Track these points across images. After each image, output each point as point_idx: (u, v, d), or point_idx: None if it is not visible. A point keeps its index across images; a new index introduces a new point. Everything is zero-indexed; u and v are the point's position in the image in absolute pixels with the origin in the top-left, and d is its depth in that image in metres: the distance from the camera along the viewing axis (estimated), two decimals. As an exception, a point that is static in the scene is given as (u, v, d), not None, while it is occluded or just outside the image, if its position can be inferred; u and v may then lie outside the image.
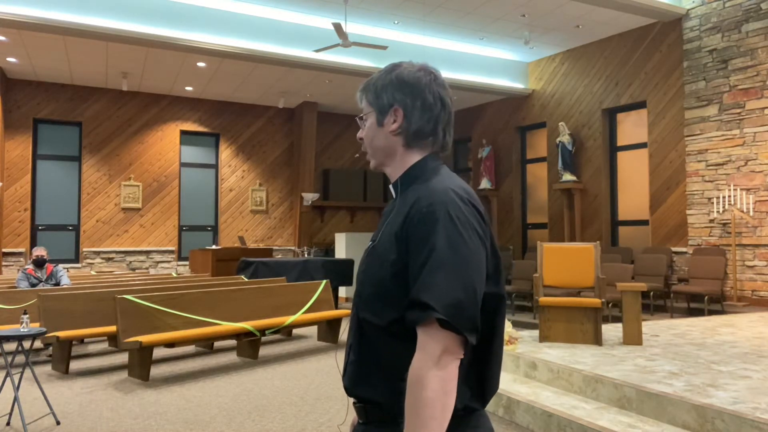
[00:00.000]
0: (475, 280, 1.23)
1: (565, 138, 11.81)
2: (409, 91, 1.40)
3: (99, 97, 13.14)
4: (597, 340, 5.60)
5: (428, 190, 1.31)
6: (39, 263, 7.94)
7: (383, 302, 1.29)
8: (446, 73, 11.54)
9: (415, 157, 1.41)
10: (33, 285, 7.74)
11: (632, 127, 11.32)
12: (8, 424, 4.37)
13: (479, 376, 1.33)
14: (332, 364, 6.44)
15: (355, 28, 10.16)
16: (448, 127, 1.44)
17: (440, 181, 1.34)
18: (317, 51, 9.87)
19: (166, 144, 13.84)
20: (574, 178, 11.75)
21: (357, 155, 15.70)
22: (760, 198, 8.95)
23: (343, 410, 4.78)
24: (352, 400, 1.40)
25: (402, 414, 1.25)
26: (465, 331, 1.19)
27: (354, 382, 1.36)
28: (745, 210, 9.05)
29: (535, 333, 5.99)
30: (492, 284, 1.31)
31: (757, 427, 3.31)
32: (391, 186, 1.46)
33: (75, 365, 6.37)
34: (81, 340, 7.37)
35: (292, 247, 14.89)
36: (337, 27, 8.72)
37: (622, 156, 11.53)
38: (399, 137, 1.41)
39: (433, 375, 1.17)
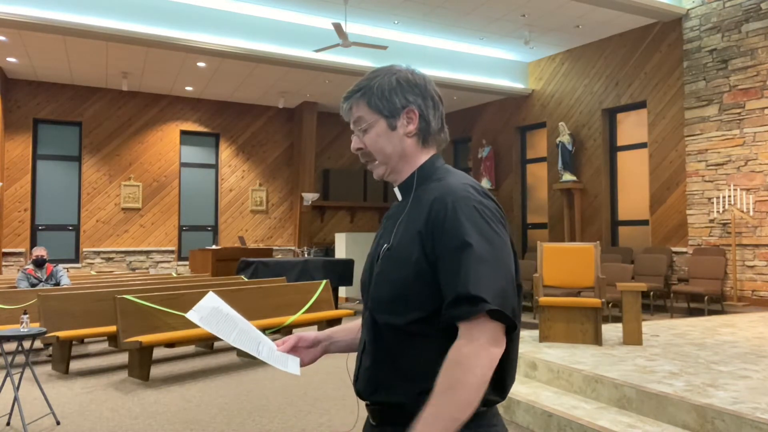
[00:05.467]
0: (511, 269, 1.27)
1: (565, 138, 11.81)
2: (419, 91, 1.41)
3: (99, 97, 13.14)
4: (597, 340, 5.59)
5: (446, 188, 1.31)
6: (39, 263, 7.94)
7: (405, 303, 1.28)
8: (446, 73, 11.70)
9: (423, 157, 1.42)
10: (33, 285, 7.74)
11: (632, 127, 11.32)
12: (8, 424, 4.37)
13: (500, 368, 1.30)
14: (333, 364, 6.42)
15: (355, 28, 10.16)
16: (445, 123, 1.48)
17: (455, 179, 1.35)
18: (317, 51, 9.87)
19: (166, 144, 13.85)
20: (574, 178, 11.75)
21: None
22: (760, 198, 8.95)
23: (343, 410, 4.78)
24: (363, 403, 1.39)
25: None
26: (513, 318, 1.21)
27: (371, 388, 1.34)
28: (745, 210, 9.05)
29: (535, 333, 5.99)
30: None
31: (757, 427, 3.31)
32: (396, 188, 1.44)
33: (75, 365, 6.36)
34: (81, 340, 7.37)
35: (292, 247, 14.89)
36: (337, 27, 8.72)
37: (622, 156, 11.54)
38: (414, 138, 1.40)
39: (482, 360, 1.17)
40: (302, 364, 1.55)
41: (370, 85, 1.41)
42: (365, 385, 1.35)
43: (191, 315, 1.47)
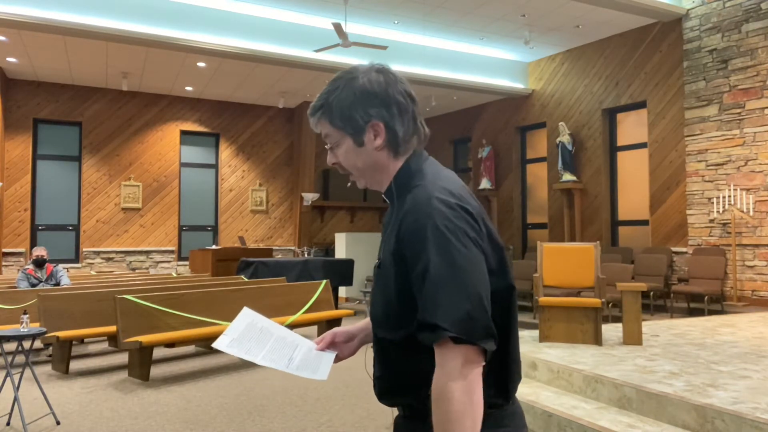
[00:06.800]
0: (479, 287, 1.20)
1: (565, 138, 11.81)
2: (379, 101, 1.33)
3: (99, 97, 13.14)
4: (597, 340, 5.59)
5: (413, 202, 1.26)
6: (39, 263, 7.94)
7: (394, 321, 1.29)
8: (446, 73, 11.70)
9: (399, 164, 1.37)
10: (33, 285, 7.74)
11: (632, 127, 11.32)
12: (8, 424, 4.37)
13: (501, 371, 1.31)
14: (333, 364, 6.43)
15: (355, 28, 10.16)
16: (422, 118, 1.40)
17: (424, 188, 1.28)
18: (317, 51, 9.87)
19: (166, 144, 13.85)
20: (574, 178, 11.75)
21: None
22: (760, 198, 8.95)
23: (343, 410, 4.78)
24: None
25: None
26: (480, 342, 1.17)
27: (385, 395, 1.39)
28: (745, 210, 9.05)
29: (535, 333, 5.99)
30: (499, 278, 1.28)
31: (757, 427, 3.31)
32: (383, 195, 1.42)
33: (75, 365, 6.37)
34: (81, 340, 7.37)
35: (292, 247, 14.89)
36: (337, 27, 8.72)
37: (622, 156, 11.53)
38: (385, 150, 1.35)
39: (458, 387, 1.16)
40: (341, 358, 1.59)
41: (329, 102, 1.36)
42: (379, 392, 1.39)
43: (221, 341, 1.45)
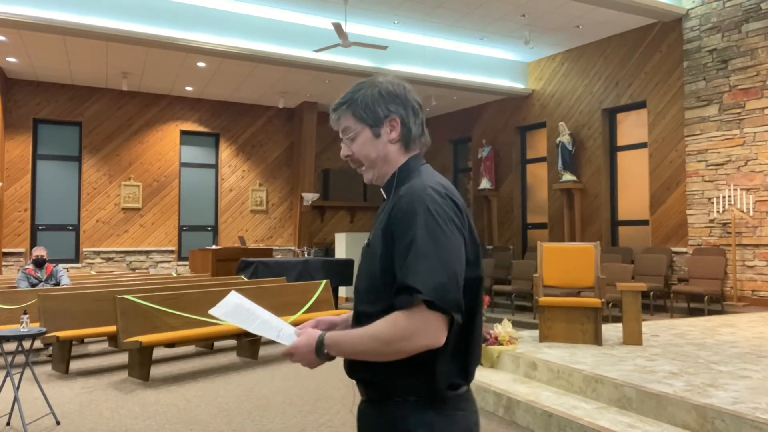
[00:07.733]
0: (455, 266, 1.35)
1: (565, 138, 11.81)
2: (400, 101, 1.54)
3: (99, 97, 13.14)
4: (597, 340, 5.60)
5: (409, 189, 1.44)
6: (39, 263, 7.95)
7: (376, 294, 1.43)
8: (446, 73, 11.71)
9: (403, 160, 1.56)
10: (33, 285, 7.74)
11: (632, 127, 11.32)
12: (8, 424, 4.37)
13: (464, 352, 1.45)
14: (332, 364, 6.43)
15: (355, 28, 10.15)
16: (426, 127, 1.62)
17: (420, 180, 1.47)
18: (317, 51, 9.87)
19: (166, 144, 13.85)
20: (574, 178, 11.75)
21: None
22: (760, 198, 8.95)
23: (343, 410, 4.78)
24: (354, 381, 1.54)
25: (399, 394, 1.40)
26: (451, 311, 1.31)
27: (353, 367, 1.50)
28: (745, 210, 9.05)
29: (535, 333, 5.99)
30: (473, 268, 1.44)
31: (757, 427, 3.31)
32: (382, 189, 1.58)
33: (75, 365, 6.36)
34: (81, 340, 7.37)
35: (292, 247, 14.89)
36: (337, 27, 8.72)
37: (622, 156, 11.53)
38: (397, 144, 1.55)
39: (407, 345, 1.31)
40: None
41: (354, 98, 1.55)
42: (348, 364, 1.52)
43: (215, 311, 1.61)
